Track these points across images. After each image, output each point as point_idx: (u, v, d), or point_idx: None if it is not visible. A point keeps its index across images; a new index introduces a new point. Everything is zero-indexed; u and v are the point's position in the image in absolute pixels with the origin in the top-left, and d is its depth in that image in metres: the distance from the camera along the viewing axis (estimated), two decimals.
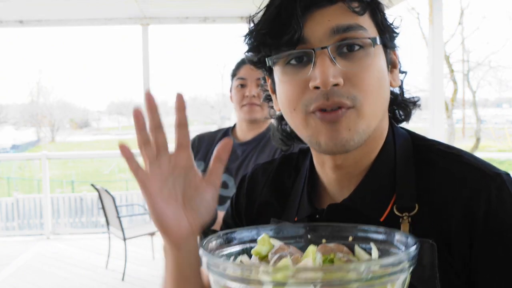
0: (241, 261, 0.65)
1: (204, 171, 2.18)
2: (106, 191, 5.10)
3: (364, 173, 0.80)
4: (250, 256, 0.66)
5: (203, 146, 1.99)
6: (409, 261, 0.55)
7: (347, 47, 0.73)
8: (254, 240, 0.67)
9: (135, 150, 0.74)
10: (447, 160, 0.76)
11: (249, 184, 0.97)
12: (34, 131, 40.92)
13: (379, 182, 0.79)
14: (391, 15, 0.81)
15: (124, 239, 4.95)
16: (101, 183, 9.36)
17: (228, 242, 0.67)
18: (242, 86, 1.94)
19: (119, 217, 4.92)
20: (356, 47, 0.73)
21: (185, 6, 5.45)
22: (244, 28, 0.81)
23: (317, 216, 0.81)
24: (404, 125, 0.89)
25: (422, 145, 0.81)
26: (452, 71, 14.91)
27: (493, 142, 23.24)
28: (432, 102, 4.59)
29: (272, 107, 0.91)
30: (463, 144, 17.98)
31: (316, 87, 0.72)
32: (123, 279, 4.91)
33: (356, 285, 0.50)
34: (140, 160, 0.75)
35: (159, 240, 5.84)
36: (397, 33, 0.82)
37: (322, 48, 0.72)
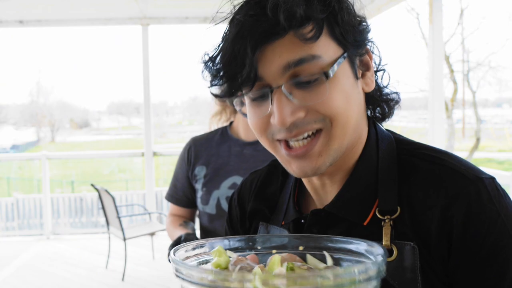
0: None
1: (206, 176, 2.11)
2: (106, 191, 5.10)
3: (347, 177, 0.80)
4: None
5: (202, 150, 1.92)
6: (377, 269, 0.54)
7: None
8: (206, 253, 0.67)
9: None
10: (429, 164, 0.75)
11: (239, 196, 1.00)
12: (34, 131, 40.93)
13: (361, 187, 0.78)
14: (358, 15, 0.76)
15: (124, 239, 4.95)
16: (101, 183, 9.37)
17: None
18: None
19: (119, 217, 4.91)
20: (313, 80, 0.71)
21: (185, 6, 5.45)
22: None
23: (302, 220, 0.82)
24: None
25: (405, 149, 0.80)
26: (452, 71, 14.88)
27: (493, 142, 23.24)
28: (432, 102, 4.59)
29: None
30: (463, 144, 17.97)
31: None
32: (123, 279, 4.91)
33: None
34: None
35: (159, 240, 5.85)
36: (366, 33, 0.78)
37: (277, 87, 0.71)
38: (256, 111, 0.75)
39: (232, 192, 1.86)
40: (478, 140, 15.33)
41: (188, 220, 1.96)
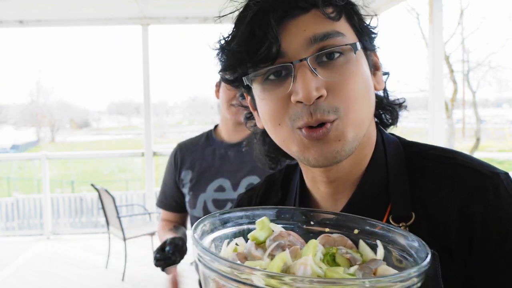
0: (236, 244, 0.62)
1: (192, 180, 2.10)
2: (106, 191, 5.10)
3: (356, 184, 0.78)
4: (246, 238, 0.62)
5: (187, 155, 1.92)
6: (418, 277, 0.50)
7: (326, 55, 0.69)
8: (252, 222, 0.64)
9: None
10: (441, 165, 0.74)
11: None
12: (34, 131, 40.95)
13: (372, 193, 0.76)
14: (368, 15, 0.77)
15: (124, 239, 4.95)
16: (101, 183, 9.37)
17: (224, 223, 0.64)
18: None
19: (119, 217, 4.91)
20: (336, 55, 0.69)
21: (185, 6, 5.45)
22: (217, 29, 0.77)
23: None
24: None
25: (414, 152, 0.78)
26: (452, 71, 14.87)
27: (493, 142, 23.24)
28: (432, 102, 4.60)
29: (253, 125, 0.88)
30: (463, 144, 17.97)
31: (299, 101, 0.69)
32: (123, 279, 4.91)
33: None
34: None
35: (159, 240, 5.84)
36: (376, 34, 0.78)
37: (301, 60, 0.68)
38: (272, 94, 0.71)
39: (218, 195, 1.83)
40: (478, 140, 15.33)
41: (179, 225, 1.95)
